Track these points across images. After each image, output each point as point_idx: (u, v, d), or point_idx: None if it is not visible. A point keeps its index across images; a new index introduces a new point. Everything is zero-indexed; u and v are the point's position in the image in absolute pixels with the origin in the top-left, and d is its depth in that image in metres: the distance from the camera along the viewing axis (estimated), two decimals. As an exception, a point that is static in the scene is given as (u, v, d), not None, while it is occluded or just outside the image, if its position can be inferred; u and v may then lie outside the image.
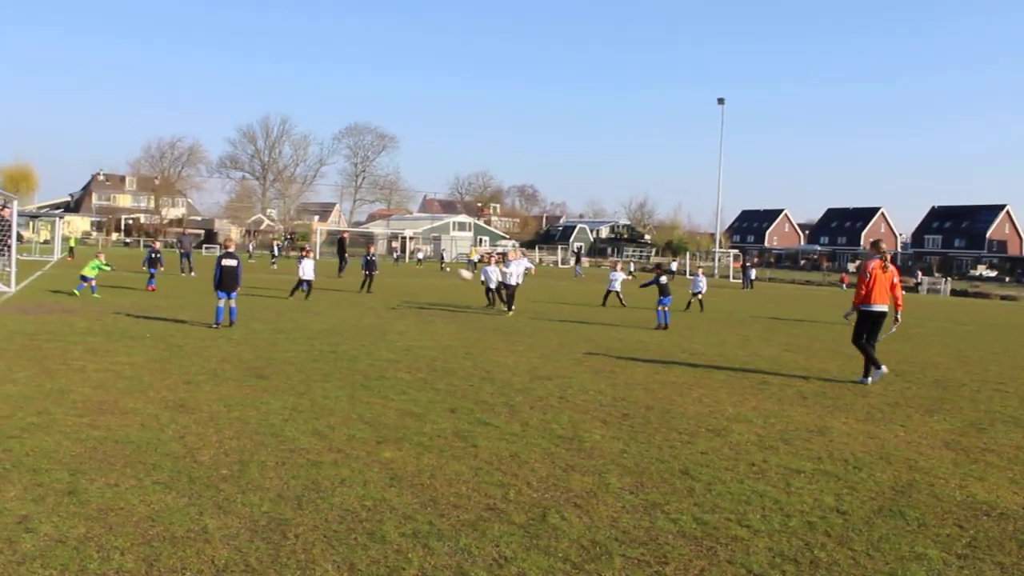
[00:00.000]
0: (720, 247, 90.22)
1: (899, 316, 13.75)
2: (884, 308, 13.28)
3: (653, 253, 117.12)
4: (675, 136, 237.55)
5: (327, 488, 6.21)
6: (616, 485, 6.69)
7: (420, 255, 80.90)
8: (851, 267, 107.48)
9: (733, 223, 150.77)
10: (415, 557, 4.97)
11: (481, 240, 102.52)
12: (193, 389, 9.89)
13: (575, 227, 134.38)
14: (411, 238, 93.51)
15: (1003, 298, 58.12)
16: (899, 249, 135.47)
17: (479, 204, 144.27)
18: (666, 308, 21.16)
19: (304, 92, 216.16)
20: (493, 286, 24.90)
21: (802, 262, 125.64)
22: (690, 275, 37.14)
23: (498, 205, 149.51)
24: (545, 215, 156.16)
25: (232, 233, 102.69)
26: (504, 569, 4.87)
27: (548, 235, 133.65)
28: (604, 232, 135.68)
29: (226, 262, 16.82)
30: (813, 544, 5.56)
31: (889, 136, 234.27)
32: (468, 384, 11.19)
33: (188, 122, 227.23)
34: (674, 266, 65.70)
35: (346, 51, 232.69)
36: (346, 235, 53.92)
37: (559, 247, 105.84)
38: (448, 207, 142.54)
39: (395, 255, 79.19)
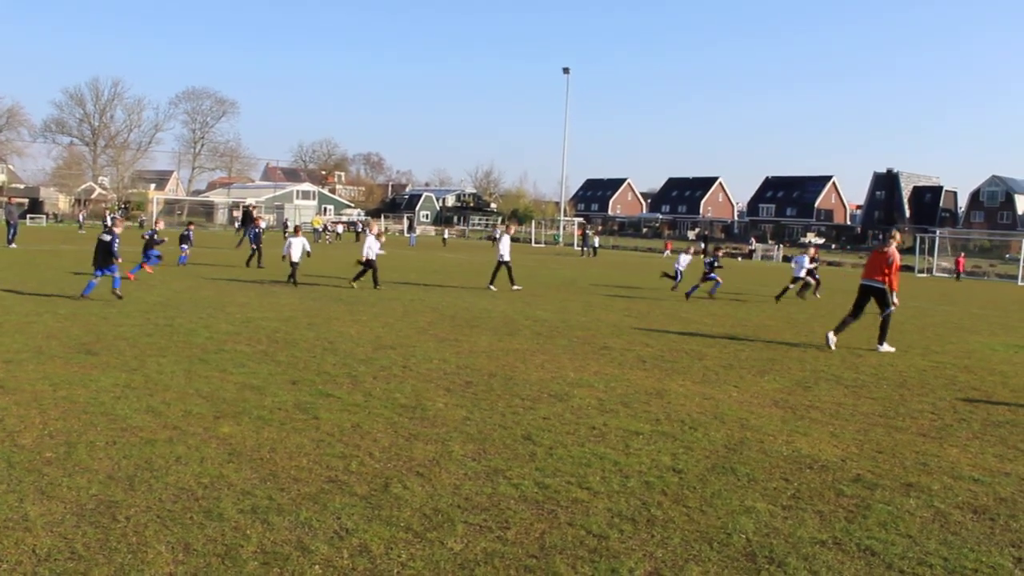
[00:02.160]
0: (565, 215, 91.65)
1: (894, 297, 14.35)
2: (870, 283, 14.30)
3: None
4: (521, 106, 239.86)
5: (161, 467, 6.00)
6: (459, 452, 6.73)
7: (263, 224, 78.69)
8: (690, 235, 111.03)
9: (578, 192, 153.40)
10: (254, 533, 4.86)
11: (326, 209, 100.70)
12: (14, 368, 9.30)
13: (421, 195, 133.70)
14: (253, 207, 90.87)
15: (829, 263, 61.29)
16: (736, 218, 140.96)
17: (323, 172, 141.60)
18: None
19: (138, 55, 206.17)
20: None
21: (644, 230, 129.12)
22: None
23: (343, 173, 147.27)
24: (391, 183, 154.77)
25: (60, 202, 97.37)
26: (345, 541, 4.83)
27: (394, 203, 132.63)
28: (450, 200, 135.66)
29: (102, 236, 16.64)
30: (650, 503, 5.75)
31: (726, 106, 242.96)
32: (310, 355, 11.01)
33: (6, 82, 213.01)
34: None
35: (183, 15, 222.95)
36: (252, 207, 51.35)
37: (405, 215, 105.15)
38: (291, 175, 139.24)
39: (236, 225, 76.97)
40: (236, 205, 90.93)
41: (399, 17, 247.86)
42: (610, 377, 10.45)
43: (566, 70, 79.65)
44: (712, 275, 23.80)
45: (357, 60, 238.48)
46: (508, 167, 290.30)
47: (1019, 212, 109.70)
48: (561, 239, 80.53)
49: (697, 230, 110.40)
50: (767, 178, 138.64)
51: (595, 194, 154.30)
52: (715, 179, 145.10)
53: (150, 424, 7.17)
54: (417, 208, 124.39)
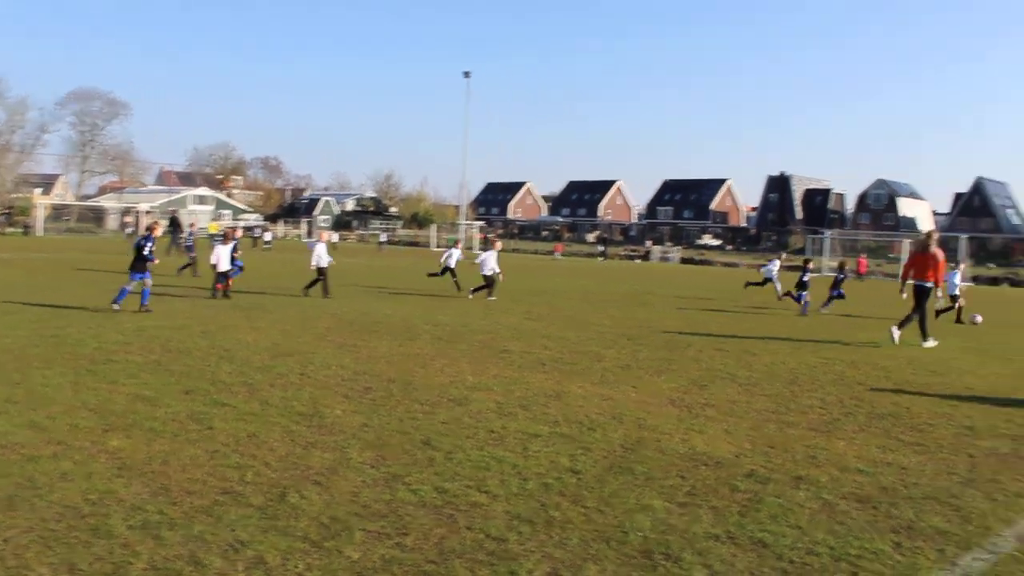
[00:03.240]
0: (466, 219, 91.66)
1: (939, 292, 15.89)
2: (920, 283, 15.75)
3: (400, 226, 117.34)
4: (423, 109, 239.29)
5: (45, 484, 5.76)
6: (357, 460, 6.67)
7: (188, 231, 76.45)
8: (589, 237, 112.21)
9: (478, 196, 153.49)
10: (144, 550, 4.72)
11: (221, 214, 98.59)
12: None
13: (320, 200, 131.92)
14: (147, 212, 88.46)
15: (725, 265, 62.92)
16: (635, 220, 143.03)
17: (220, 176, 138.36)
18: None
19: (21, 53, 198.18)
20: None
21: (544, 233, 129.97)
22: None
23: (241, 177, 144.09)
24: (290, 188, 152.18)
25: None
26: (240, 554, 4.73)
27: (292, 208, 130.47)
28: (350, 205, 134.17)
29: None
30: (548, 504, 5.80)
31: (626, 110, 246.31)
32: (205, 364, 10.76)
33: None
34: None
35: (70, 14, 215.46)
36: (175, 211, 49.33)
37: (304, 220, 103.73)
38: (187, 179, 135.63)
39: (127, 230, 74.83)
40: (127, 211, 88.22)
41: (295, 18, 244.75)
42: (509, 380, 10.50)
43: (467, 74, 79.67)
44: (838, 291, 23.82)
45: (253, 61, 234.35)
46: (409, 171, 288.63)
47: (901, 214, 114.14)
48: (463, 243, 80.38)
49: (597, 232, 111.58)
50: (665, 181, 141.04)
51: (496, 197, 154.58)
52: (614, 182, 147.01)
53: (33, 440, 6.88)
54: (316, 213, 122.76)
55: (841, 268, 24.28)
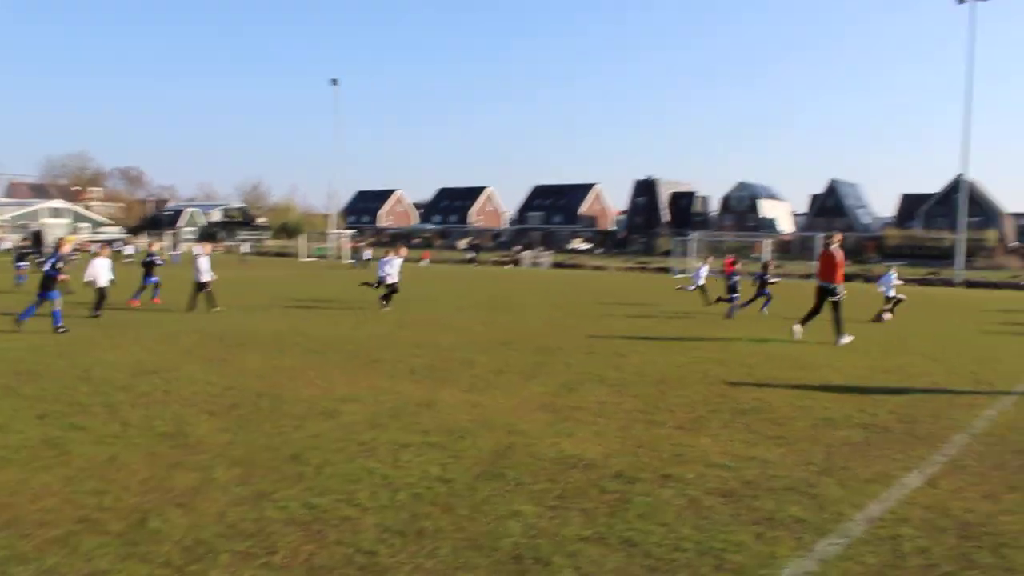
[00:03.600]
0: (336, 228, 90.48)
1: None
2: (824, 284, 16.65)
3: (269, 236, 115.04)
4: (290, 119, 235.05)
5: None
6: (223, 479, 6.50)
7: (6, 244, 73.04)
8: (460, 244, 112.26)
9: (349, 204, 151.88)
10: (-9, 585, 4.49)
11: (77, 228, 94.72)
12: None
13: (184, 211, 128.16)
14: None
15: (595, 268, 63.84)
16: (506, 225, 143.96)
17: (76, 188, 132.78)
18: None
19: None
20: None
21: (416, 241, 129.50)
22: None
23: (100, 188, 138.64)
24: (153, 199, 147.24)
25: None
26: (97, 584, 4.55)
27: (156, 220, 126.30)
28: (216, 216, 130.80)
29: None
30: (419, 515, 5.78)
31: (496, 118, 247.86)
32: (61, 386, 10.29)
33: None
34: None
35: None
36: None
37: (168, 232, 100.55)
38: (39, 191, 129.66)
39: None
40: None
41: (156, 23, 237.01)
42: (380, 390, 10.41)
43: (334, 81, 78.72)
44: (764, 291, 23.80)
45: (111, 69, 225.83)
46: (277, 180, 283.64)
47: (762, 215, 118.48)
48: (330, 253, 79.19)
49: (468, 239, 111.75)
50: (535, 187, 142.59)
51: (366, 206, 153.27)
52: (483, 188, 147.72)
53: None
54: (181, 224, 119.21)
55: (765, 268, 24.78)
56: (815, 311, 16.75)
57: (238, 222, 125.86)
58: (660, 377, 11.89)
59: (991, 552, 5.34)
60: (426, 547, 5.19)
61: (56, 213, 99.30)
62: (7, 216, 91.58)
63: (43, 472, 6.60)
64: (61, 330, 15.36)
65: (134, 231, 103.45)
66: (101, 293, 18.93)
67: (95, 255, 19.99)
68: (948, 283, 48.71)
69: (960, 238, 54.97)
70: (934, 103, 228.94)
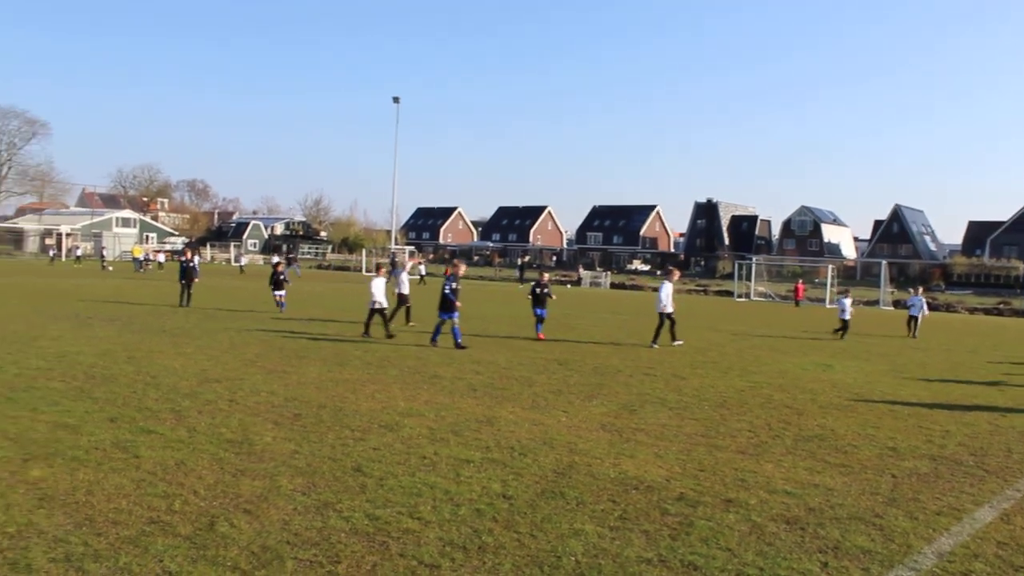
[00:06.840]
0: (396, 244, 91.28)
1: None
2: None
3: (329, 250, 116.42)
4: (352, 134, 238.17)
5: (-38, 515, 5.61)
6: (287, 487, 6.60)
7: (78, 252, 74.99)
8: (519, 261, 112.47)
9: (409, 220, 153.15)
10: (67, 582, 4.62)
11: (148, 237, 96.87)
12: None
13: (249, 223, 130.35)
14: (68, 234, 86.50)
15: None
16: (564, 246, 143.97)
17: (145, 199, 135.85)
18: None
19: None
20: None
21: (475, 258, 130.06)
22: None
23: (166, 200, 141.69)
24: (217, 211, 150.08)
25: None
26: (168, 584, 4.66)
27: (220, 232, 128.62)
28: (279, 229, 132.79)
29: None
30: (481, 530, 5.81)
31: (553, 137, 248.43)
32: (130, 391, 10.55)
33: None
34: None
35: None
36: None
37: (232, 244, 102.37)
38: (110, 201, 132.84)
39: (51, 253, 73.85)
40: (49, 232, 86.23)
41: (227, 46, 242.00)
42: (440, 406, 10.49)
43: (396, 99, 79.49)
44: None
45: (178, 84, 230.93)
46: (338, 195, 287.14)
47: (825, 240, 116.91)
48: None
49: (527, 258, 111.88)
50: (594, 207, 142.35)
51: (426, 222, 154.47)
52: (544, 208, 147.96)
53: (-50, 470, 6.69)
54: (245, 236, 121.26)
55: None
56: None
57: (300, 236, 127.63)
58: (720, 401, 11.81)
59: (1063, 590, 5.22)
60: (488, 563, 5.22)
61: (125, 223, 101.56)
62: (79, 225, 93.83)
63: (115, 474, 6.77)
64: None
65: (200, 242, 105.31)
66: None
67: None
68: (1020, 313, 47.37)
69: (1030, 268, 53.63)
70: (999, 128, 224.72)
